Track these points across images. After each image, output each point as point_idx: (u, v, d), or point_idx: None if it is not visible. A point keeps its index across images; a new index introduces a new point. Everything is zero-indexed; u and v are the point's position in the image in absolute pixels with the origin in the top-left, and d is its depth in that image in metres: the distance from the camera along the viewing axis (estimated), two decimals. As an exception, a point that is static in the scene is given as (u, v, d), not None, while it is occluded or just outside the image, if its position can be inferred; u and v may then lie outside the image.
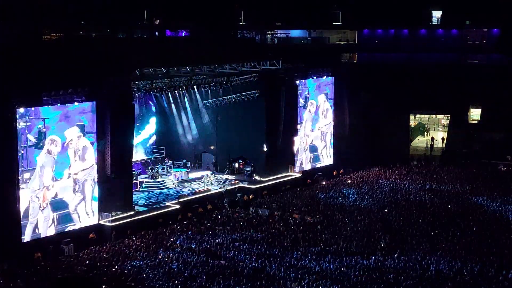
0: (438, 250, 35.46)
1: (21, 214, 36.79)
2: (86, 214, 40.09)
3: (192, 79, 48.73)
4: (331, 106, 57.05)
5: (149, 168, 51.39)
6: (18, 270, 34.49)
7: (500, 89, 63.22)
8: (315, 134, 55.86)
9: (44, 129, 37.63)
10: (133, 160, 45.76)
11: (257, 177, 51.72)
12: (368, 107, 64.38)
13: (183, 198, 46.12)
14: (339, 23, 73.82)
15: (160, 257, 35.26)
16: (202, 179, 50.95)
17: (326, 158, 57.16)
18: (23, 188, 36.75)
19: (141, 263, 34.44)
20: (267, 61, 50.11)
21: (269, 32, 70.93)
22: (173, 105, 54.52)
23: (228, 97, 52.88)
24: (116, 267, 34.02)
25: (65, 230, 38.97)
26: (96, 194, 40.52)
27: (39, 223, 37.74)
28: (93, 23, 67.06)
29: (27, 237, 37.24)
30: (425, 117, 71.20)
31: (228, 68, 48.54)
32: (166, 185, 50.04)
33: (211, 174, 52.11)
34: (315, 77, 55.09)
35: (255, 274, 32.34)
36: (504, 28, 68.11)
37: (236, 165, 53.56)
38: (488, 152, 59.59)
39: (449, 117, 68.05)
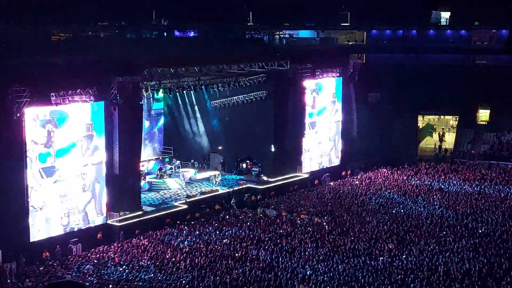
0: (447, 251, 35.37)
1: (29, 214, 36.94)
2: (96, 213, 40.22)
3: (200, 79, 48.76)
4: (339, 107, 56.97)
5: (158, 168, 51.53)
6: (27, 269, 34.65)
7: (509, 90, 63.03)
8: (323, 134, 55.79)
9: (53, 129, 37.78)
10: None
11: (264, 178, 51.70)
12: (376, 108, 64.31)
13: (191, 198, 46.18)
14: (348, 24, 73.80)
15: (168, 257, 35.31)
16: (210, 179, 50.98)
17: (334, 159, 57.11)
18: (31, 188, 36.90)
19: (148, 263, 34.50)
20: (275, 62, 50.07)
21: (277, 32, 70.97)
22: (181, 106, 54.61)
23: (236, 97, 52.91)
24: (124, 267, 34.12)
25: (73, 230, 39.12)
26: (105, 193, 40.69)
27: (47, 222, 37.86)
28: (102, 23, 67.30)
29: (35, 236, 37.38)
30: (435, 117, 70.98)
31: (236, 68, 48.52)
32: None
33: (219, 175, 52.14)
34: (323, 78, 55.02)
35: (262, 274, 32.34)
36: (513, 29, 67.97)
37: (244, 165, 53.56)
38: (496, 153, 59.41)
39: (457, 118, 67.90)
